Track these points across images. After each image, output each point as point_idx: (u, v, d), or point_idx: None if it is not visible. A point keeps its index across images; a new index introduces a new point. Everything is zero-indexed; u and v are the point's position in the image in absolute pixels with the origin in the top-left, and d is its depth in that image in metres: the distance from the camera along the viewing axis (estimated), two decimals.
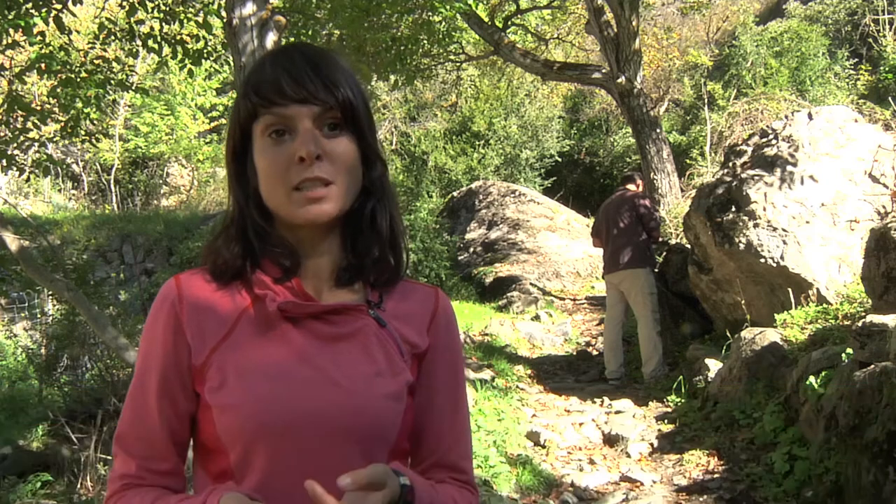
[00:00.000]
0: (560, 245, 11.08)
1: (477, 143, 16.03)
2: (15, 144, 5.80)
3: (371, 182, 1.03)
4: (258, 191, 1.00)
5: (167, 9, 5.88)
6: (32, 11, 5.05)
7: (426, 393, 1.05)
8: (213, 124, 16.18)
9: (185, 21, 6.12)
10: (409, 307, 1.06)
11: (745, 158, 5.73)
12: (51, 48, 5.82)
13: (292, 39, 6.84)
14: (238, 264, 1.01)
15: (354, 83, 1.00)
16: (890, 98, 8.83)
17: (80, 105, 5.97)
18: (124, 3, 5.60)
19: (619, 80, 9.13)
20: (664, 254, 7.13)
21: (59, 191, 15.82)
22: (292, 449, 0.94)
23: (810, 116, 5.74)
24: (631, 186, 6.37)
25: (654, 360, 5.91)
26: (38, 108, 6.07)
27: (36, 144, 5.94)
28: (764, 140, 5.78)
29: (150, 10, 5.75)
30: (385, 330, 1.01)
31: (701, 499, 3.74)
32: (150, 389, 0.98)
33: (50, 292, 8.15)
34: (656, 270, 6.51)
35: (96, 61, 5.97)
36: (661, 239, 6.38)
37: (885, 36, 13.02)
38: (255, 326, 0.99)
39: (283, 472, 0.94)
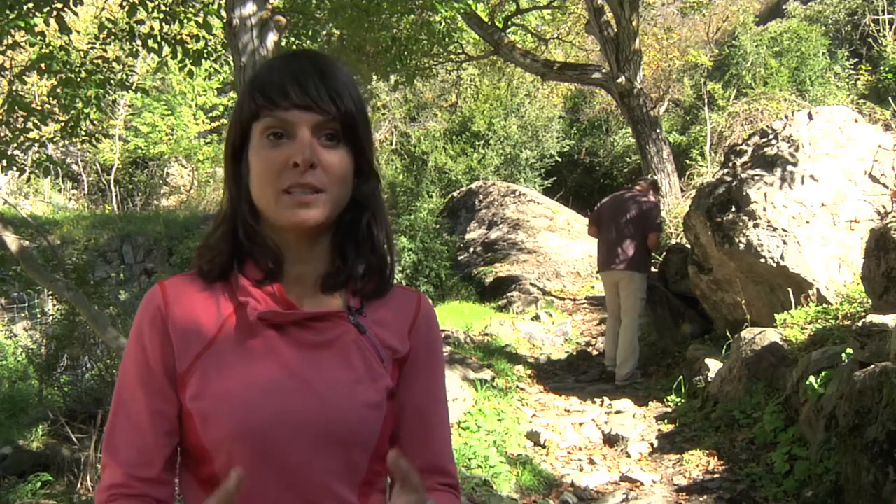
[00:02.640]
0: (560, 245, 11.08)
1: (477, 143, 16.02)
2: (15, 144, 5.80)
3: (364, 195, 1.04)
4: (249, 189, 1.01)
5: (167, 9, 5.87)
6: (34, 11, 5.05)
7: (407, 397, 1.06)
8: (213, 124, 16.18)
9: (185, 21, 6.12)
10: (389, 312, 1.07)
11: (745, 158, 5.74)
12: (51, 48, 5.82)
13: (292, 39, 6.85)
14: (224, 261, 1.02)
15: (357, 95, 1.01)
16: (890, 98, 8.83)
17: (80, 105, 5.97)
18: (124, 3, 5.60)
19: (619, 80, 9.13)
20: (664, 254, 7.13)
21: (59, 191, 15.81)
22: (274, 458, 0.95)
23: (810, 116, 5.74)
24: (645, 198, 6.18)
25: (630, 364, 5.97)
26: (38, 108, 6.07)
27: (36, 145, 5.94)
28: (764, 140, 5.78)
29: (150, 11, 5.75)
30: (365, 336, 1.02)
31: (701, 499, 3.74)
32: (139, 395, 0.99)
33: (50, 292, 8.15)
34: (655, 270, 6.49)
35: (96, 61, 5.97)
36: (657, 245, 6.24)
37: (885, 36, 13.01)
38: (237, 334, 0.99)
39: (266, 481, 0.95)
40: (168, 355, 0.98)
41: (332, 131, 0.98)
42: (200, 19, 6.02)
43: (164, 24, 5.85)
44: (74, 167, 15.78)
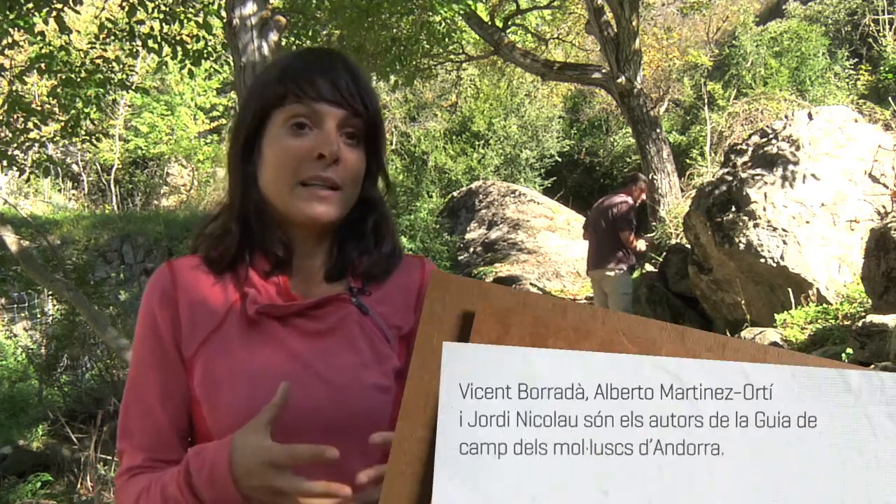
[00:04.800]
0: (560, 245, 11.09)
1: (477, 143, 16.02)
2: (15, 144, 5.80)
3: (373, 197, 1.04)
4: (258, 177, 1.00)
5: (167, 9, 5.88)
6: (33, 11, 5.06)
7: None
8: (213, 124, 16.17)
9: (185, 21, 6.12)
10: (394, 284, 1.06)
11: (745, 158, 5.74)
12: (51, 48, 5.82)
13: (292, 39, 6.85)
14: (235, 252, 1.00)
15: (378, 101, 1.02)
16: (890, 98, 8.83)
17: (80, 105, 5.97)
18: (124, 4, 5.60)
19: (619, 80, 9.14)
20: (664, 254, 7.14)
21: (59, 191, 15.80)
22: None
23: (810, 116, 5.74)
24: (619, 197, 6.28)
25: None
26: (38, 108, 6.07)
27: (36, 145, 5.94)
28: (764, 140, 5.78)
29: (150, 11, 5.75)
30: (368, 317, 1.01)
31: None
32: (153, 376, 0.98)
33: (50, 292, 8.15)
34: (654, 270, 6.50)
35: (96, 61, 5.97)
36: (634, 244, 6.26)
37: (885, 36, 13.01)
38: (242, 324, 0.99)
39: None
40: (178, 335, 0.98)
41: (354, 130, 0.98)
42: (200, 19, 6.02)
43: (164, 24, 5.85)
44: (74, 167, 15.78)
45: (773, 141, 5.66)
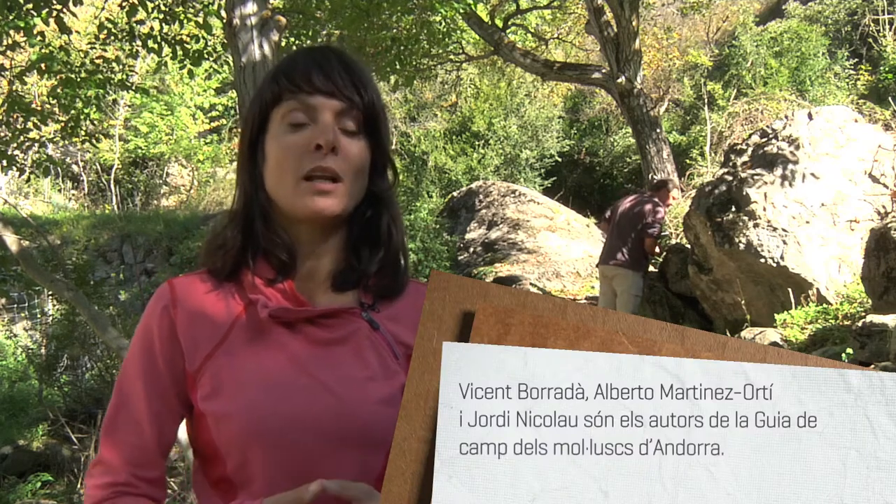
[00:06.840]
0: (560, 245, 11.08)
1: (477, 143, 16.02)
2: (15, 144, 5.81)
3: (381, 191, 1.03)
4: (263, 179, 1.00)
5: (167, 9, 5.88)
6: (32, 12, 5.06)
7: None
8: (213, 124, 16.17)
9: (185, 21, 6.12)
10: (403, 306, 1.05)
11: (745, 158, 5.74)
12: (51, 48, 5.82)
13: (292, 39, 6.85)
14: (237, 257, 1.00)
15: (378, 91, 1.01)
16: (890, 98, 8.83)
17: (80, 105, 5.98)
18: (124, 4, 5.60)
19: (619, 80, 9.14)
20: (664, 254, 7.14)
21: (59, 191, 15.80)
22: (289, 457, 0.93)
23: (810, 116, 5.75)
24: (651, 202, 6.16)
25: None
26: (38, 108, 6.07)
27: (36, 145, 5.94)
28: (764, 140, 5.79)
29: (150, 11, 5.75)
30: (378, 332, 1.00)
31: None
32: (142, 394, 0.98)
33: (50, 292, 8.16)
34: (656, 270, 6.48)
35: (97, 61, 5.98)
36: (655, 251, 6.21)
37: (885, 36, 13.01)
38: (248, 332, 0.98)
39: (282, 480, 0.93)
40: (176, 355, 0.97)
41: (353, 121, 0.98)
42: (200, 19, 6.02)
43: (163, 24, 5.85)
44: (74, 167, 15.78)
45: (773, 141, 5.66)
